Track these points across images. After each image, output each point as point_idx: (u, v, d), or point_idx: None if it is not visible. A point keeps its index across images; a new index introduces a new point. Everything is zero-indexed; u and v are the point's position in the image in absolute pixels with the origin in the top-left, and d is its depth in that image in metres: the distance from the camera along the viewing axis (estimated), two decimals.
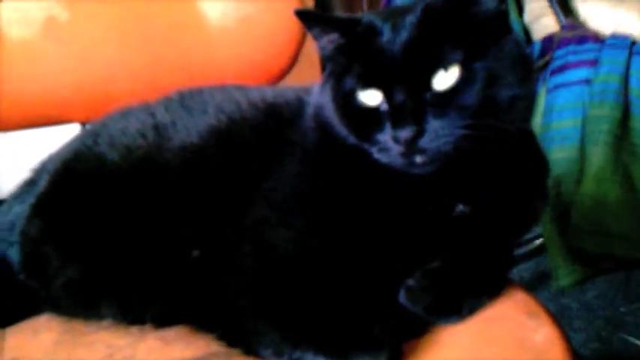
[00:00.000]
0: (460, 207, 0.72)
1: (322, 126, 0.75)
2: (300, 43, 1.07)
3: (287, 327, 0.70)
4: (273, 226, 0.73)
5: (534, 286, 1.47)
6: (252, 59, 1.07)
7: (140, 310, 0.78)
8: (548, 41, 1.38)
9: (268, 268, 0.72)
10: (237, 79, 1.01)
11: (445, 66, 0.66)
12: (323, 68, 0.77)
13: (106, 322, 0.78)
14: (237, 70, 1.07)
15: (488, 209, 0.73)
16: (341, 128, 0.72)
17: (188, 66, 1.05)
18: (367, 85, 0.68)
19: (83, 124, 1.07)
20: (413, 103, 0.66)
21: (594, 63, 1.30)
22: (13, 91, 1.02)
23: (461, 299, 0.73)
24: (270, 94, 0.86)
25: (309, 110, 0.78)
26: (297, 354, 0.69)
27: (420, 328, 0.73)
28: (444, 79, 0.66)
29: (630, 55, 1.27)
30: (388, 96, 0.67)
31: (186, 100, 0.87)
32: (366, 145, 0.70)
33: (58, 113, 1.07)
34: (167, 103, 0.88)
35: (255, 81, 1.04)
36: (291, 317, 0.70)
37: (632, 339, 1.31)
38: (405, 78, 0.66)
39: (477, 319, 0.73)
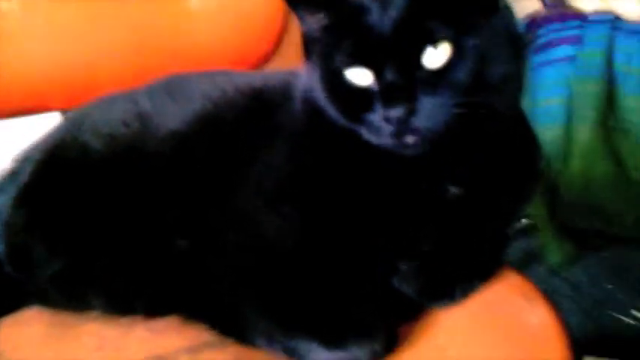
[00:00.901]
0: (452, 189, 0.71)
1: (311, 108, 0.73)
2: (283, 27, 1.05)
3: (279, 315, 0.69)
4: (262, 213, 0.72)
5: (522, 266, 1.47)
6: (235, 44, 1.05)
7: (129, 301, 0.76)
8: (532, 20, 1.37)
9: (258, 256, 0.71)
10: (221, 64, 0.99)
11: (435, 43, 0.64)
12: (306, 52, 0.76)
13: (94, 314, 0.77)
14: (221, 55, 1.05)
15: (480, 190, 0.72)
16: (330, 109, 0.71)
17: (170, 52, 1.03)
18: (356, 64, 0.67)
19: (64, 112, 1.04)
20: (404, 81, 0.65)
21: (578, 40, 1.29)
22: None
23: (454, 282, 0.73)
24: (256, 78, 0.85)
25: (297, 93, 0.77)
26: (290, 342, 0.69)
27: (414, 312, 0.72)
28: (435, 57, 0.64)
29: (613, 31, 1.27)
30: (378, 75, 0.66)
31: (170, 87, 0.85)
32: (356, 126, 0.69)
33: (37, 102, 1.04)
34: (151, 90, 0.86)
35: (239, 66, 1.02)
36: (283, 305, 0.70)
37: (619, 316, 1.31)
38: (395, 56, 0.65)
39: (471, 302, 0.73)
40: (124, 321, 0.76)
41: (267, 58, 1.07)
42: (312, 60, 0.74)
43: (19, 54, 1.00)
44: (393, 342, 0.69)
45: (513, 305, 0.74)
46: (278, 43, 1.06)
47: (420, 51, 0.65)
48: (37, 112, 1.05)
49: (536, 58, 1.33)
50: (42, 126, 0.95)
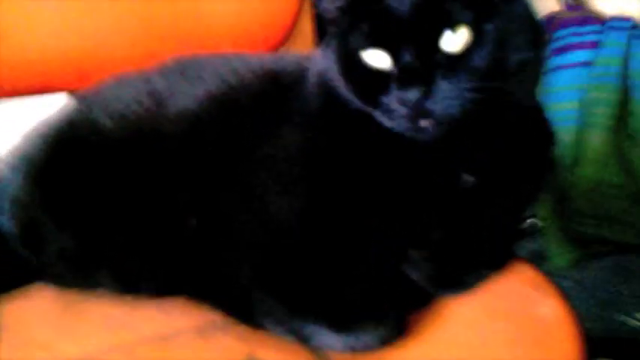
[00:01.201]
0: (465, 176, 0.70)
1: (325, 91, 0.72)
2: (297, 12, 1.04)
3: (288, 298, 0.69)
4: (274, 195, 0.71)
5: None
6: (249, 26, 1.04)
7: (137, 280, 0.76)
8: (550, 21, 1.36)
9: (268, 237, 0.71)
10: (234, 46, 0.98)
11: (454, 27, 0.63)
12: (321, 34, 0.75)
13: (100, 292, 0.76)
14: (234, 37, 1.03)
15: (493, 179, 0.71)
16: (345, 92, 0.70)
17: (181, 34, 1.02)
18: (373, 45, 0.66)
19: (71, 93, 1.03)
20: (420, 64, 0.64)
21: (595, 45, 1.28)
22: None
23: (464, 270, 0.72)
24: (269, 60, 0.84)
25: (310, 76, 0.76)
26: (298, 324, 0.68)
27: (424, 300, 0.71)
28: (453, 40, 0.64)
29: (632, 38, 1.26)
30: (395, 57, 0.65)
31: (183, 68, 0.84)
32: (371, 109, 0.68)
33: (45, 82, 1.02)
34: (164, 70, 0.85)
35: (253, 48, 1.00)
36: (293, 287, 0.69)
37: (625, 317, 1.30)
38: (413, 38, 0.64)
39: (482, 291, 0.72)
40: (130, 299, 0.75)
41: (279, 45, 1.05)
42: (327, 42, 0.73)
43: (28, 32, 0.98)
44: (401, 329, 0.68)
45: (525, 296, 0.73)
46: (293, 25, 1.05)
47: (438, 34, 0.64)
48: (44, 92, 1.04)
49: (554, 61, 1.32)
50: (49, 106, 0.94)
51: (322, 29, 0.75)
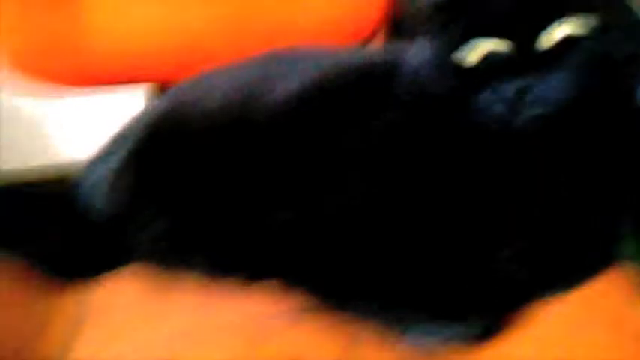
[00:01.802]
0: (563, 175, 0.68)
1: (420, 87, 0.71)
2: (388, 6, 1.03)
3: (385, 286, 0.69)
4: (367, 195, 0.71)
5: None
6: (338, 22, 1.04)
7: (230, 265, 0.76)
8: None
9: (361, 226, 0.71)
10: (326, 39, 0.98)
11: (556, 18, 0.62)
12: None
13: (192, 276, 0.77)
14: (323, 32, 1.03)
15: (593, 179, 0.69)
16: (441, 87, 0.69)
17: (273, 28, 1.03)
18: (473, 38, 0.65)
19: (154, 86, 1.05)
20: (521, 57, 0.62)
21: None
22: (96, 45, 1.01)
23: (561, 271, 0.70)
24: (360, 54, 0.84)
25: (404, 72, 0.75)
26: (393, 313, 0.68)
27: (523, 298, 0.70)
28: (557, 33, 0.62)
29: None
30: (497, 50, 0.64)
31: (277, 60, 0.85)
32: (466, 104, 0.66)
33: (130, 72, 1.04)
34: (259, 62, 0.86)
35: (345, 42, 1.00)
36: (390, 275, 0.69)
37: None
38: (515, 31, 0.63)
39: (576, 295, 0.70)
40: (223, 283, 0.76)
41: (372, 35, 1.05)
42: (421, 35, 0.73)
43: (118, 19, 1.01)
44: (495, 327, 0.67)
45: (624, 298, 0.71)
46: (383, 19, 1.04)
47: (540, 25, 0.62)
48: (127, 83, 1.05)
49: None
50: (127, 100, 0.98)
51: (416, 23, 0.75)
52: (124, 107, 0.97)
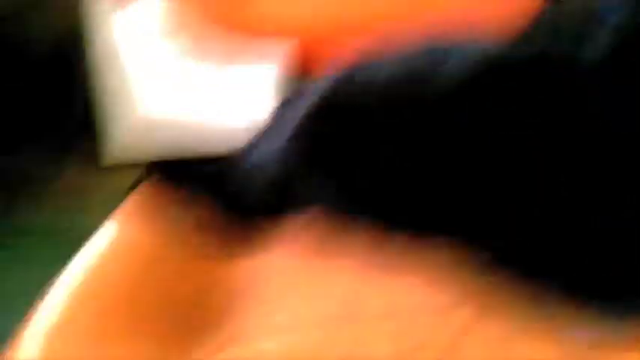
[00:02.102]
0: None
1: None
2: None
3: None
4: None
5: None
6: (492, 13, 1.03)
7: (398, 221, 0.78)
8: None
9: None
10: (476, 32, 0.97)
11: None
12: None
13: (356, 239, 0.76)
14: (478, 22, 1.03)
15: None
16: None
17: (426, 17, 1.03)
18: None
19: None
20: None
21: None
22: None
23: None
24: (511, 46, 0.86)
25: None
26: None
27: None
28: None
29: None
30: None
31: (438, 47, 0.85)
32: None
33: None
34: (419, 49, 0.86)
35: (499, 35, 0.99)
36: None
37: None
38: None
39: None
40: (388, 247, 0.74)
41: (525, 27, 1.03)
42: None
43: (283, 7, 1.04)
44: None
45: None
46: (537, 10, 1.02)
47: None
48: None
49: None
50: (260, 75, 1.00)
51: None
52: (255, 79, 0.99)
